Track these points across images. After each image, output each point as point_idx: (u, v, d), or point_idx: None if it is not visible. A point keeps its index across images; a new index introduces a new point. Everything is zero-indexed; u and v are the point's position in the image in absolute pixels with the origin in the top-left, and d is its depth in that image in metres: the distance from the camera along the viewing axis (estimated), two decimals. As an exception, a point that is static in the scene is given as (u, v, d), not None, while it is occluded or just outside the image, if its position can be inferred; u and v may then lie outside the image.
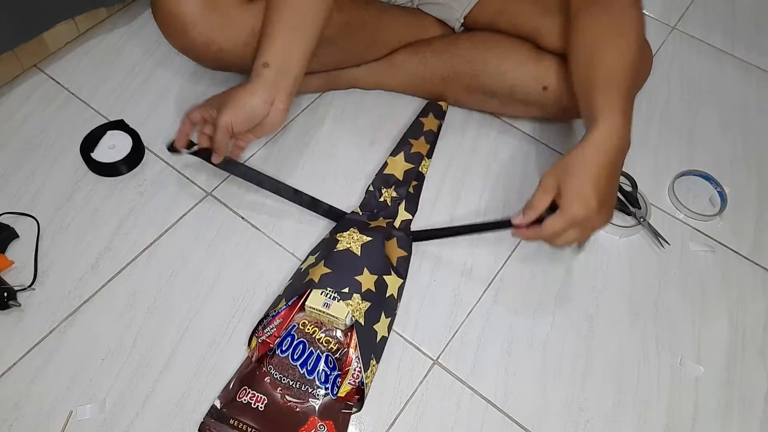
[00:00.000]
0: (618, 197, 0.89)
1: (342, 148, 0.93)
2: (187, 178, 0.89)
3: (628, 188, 0.90)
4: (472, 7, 0.90)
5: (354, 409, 0.70)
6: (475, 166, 0.92)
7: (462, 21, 0.92)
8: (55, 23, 0.96)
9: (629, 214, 0.88)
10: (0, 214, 0.83)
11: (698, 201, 0.91)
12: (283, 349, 0.71)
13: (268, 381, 0.71)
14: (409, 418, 0.71)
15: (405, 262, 0.79)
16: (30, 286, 0.77)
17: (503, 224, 0.71)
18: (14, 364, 0.72)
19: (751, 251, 0.87)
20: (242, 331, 0.76)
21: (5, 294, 0.74)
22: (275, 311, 0.72)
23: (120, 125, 0.91)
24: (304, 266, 0.77)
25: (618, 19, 0.75)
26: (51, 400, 0.70)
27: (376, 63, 0.95)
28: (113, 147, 0.89)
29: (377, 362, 0.72)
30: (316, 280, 0.71)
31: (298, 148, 0.93)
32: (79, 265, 0.80)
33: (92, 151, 0.89)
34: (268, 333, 0.73)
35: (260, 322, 0.72)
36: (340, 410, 0.70)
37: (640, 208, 0.88)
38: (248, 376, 0.71)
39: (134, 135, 0.90)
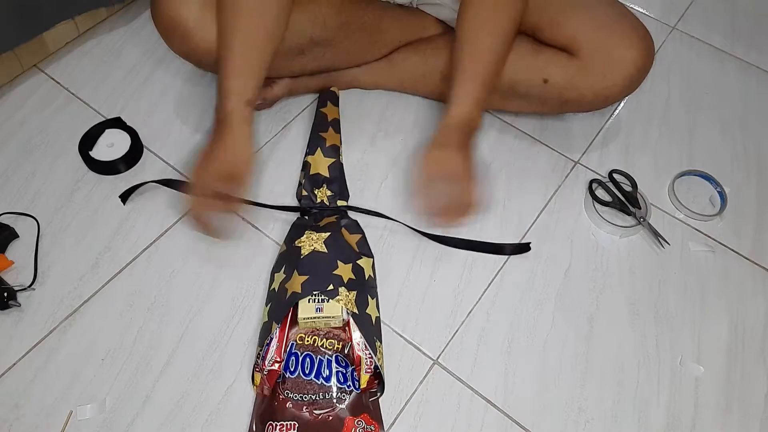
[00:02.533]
0: (618, 197, 0.89)
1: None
2: (187, 178, 0.89)
3: (628, 188, 0.90)
4: None
5: (379, 394, 0.70)
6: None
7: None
8: (55, 23, 0.96)
9: (629, 214, 0.88)
10: (0, 214, 0.83)
11: (698, 201, 0.91)
12: (292, 370, 0.70)
13: (291, 406, 0.69)
14: (409, 418, 0.71)
15: (364, 242, 0.80)
16: (30, 286, 0.77)
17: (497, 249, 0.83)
18: (14, 364, 0.72)
19: (751, 251, 0.87)
20: (242, 331, 0.76)
21: (5, 294, 0.74)
22: (269, 338, 0.70)
23: (117, 123, 0.91)
24: (276, 285, 0.75)
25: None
26: (51, 400, 0.70)
27: (376, 62, 0.95)
28: (111, 145, 0.89)
29: (381, 342, 0.72)
30: (299, 291, 0.70)
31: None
32: (79, 265, 0.80)
33: (91, 150, 0.89)
34: (270, 361, 0.71)
35: (258, 355, 0.71)
36: (369, 400, 0.70)
37: (640, 208, 0.88)
38: (267, 411, 0.69)
39: (132, 133, 0.90)
